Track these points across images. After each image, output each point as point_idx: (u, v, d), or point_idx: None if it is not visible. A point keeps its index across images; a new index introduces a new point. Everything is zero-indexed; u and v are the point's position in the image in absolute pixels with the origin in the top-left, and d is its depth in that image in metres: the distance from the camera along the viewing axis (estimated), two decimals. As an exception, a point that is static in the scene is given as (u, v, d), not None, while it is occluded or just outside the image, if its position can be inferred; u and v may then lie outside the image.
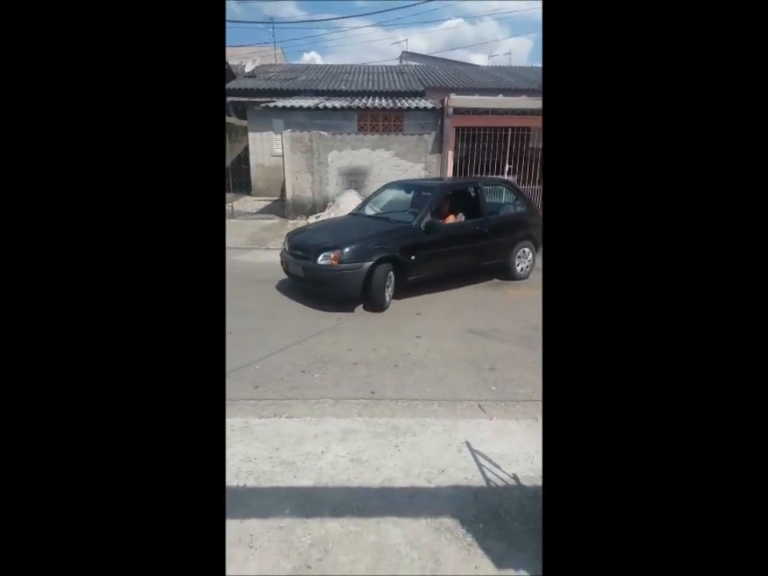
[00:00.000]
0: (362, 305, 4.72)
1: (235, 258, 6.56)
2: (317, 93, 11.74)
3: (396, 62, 19.14)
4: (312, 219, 9.00)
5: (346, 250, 4.45)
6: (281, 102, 9.07)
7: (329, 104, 9.20)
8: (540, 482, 2.12)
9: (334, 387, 3.10)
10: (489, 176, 9.12)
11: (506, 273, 5.72)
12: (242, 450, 2.34)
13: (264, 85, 12.69)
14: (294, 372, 3.32)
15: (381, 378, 3.25)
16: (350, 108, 9.19)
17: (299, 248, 4.81)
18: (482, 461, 2.27)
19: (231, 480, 2.11)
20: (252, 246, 7.62)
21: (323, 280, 4.52)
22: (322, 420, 2.66)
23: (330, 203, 9.19)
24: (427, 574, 1.64)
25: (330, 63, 18.25)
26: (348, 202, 8.46)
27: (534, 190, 9.61)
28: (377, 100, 9.84)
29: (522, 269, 5.80)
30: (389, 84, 12.80)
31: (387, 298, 4.64)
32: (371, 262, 4.43)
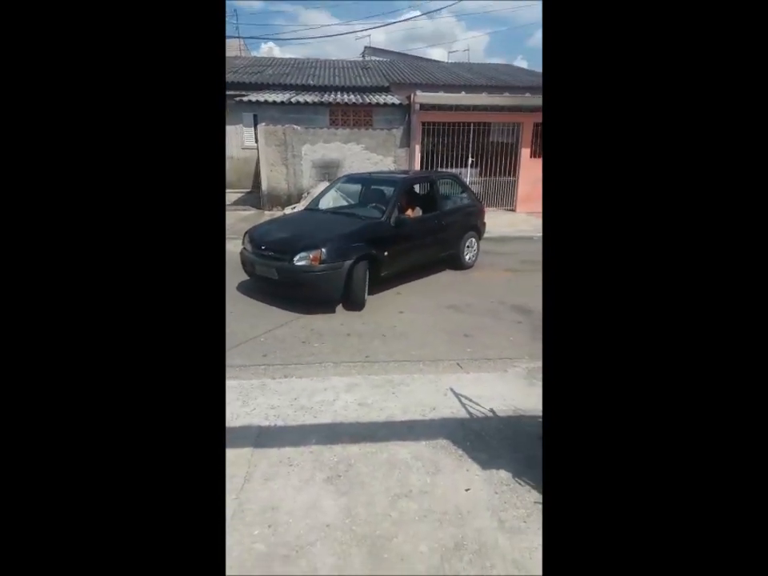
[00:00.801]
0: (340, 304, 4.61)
1: (217, 247, 6.83)
2: (285, 87, 11.94)
3: (359, 58, 19.43)
4: (288, 210, 9.31)
5: (325, 249, 4.22)
6: (254, 96, 9.27)
7: (301, 99, 9.49)
8: (511, 413, 2.66)
9: (332, 354, 3.55)
10: (440, 170, 9.69)
11: (456, 263, 5.93)
12: (264, 402, 2.76)
13: (232, 78, 12.74)
14: (295, 342, 3.75)
15: (372, 346, 3.72)
16: (321, 103, 9.52)
17: (269, 247, 4.46)
18: (464, 401, 2.79)
19: (262, 421, 2.54)
20: (230, 236, 7.87)
21: (302, 282, 4.23)
22: (328, 378, 3.12)
23: (305, 194, 9.52)
24: (428, 482, 2.13)
25: (288, 56, 18.33)
26: (322, 194, 8.83)
27: (494, 182, 10.28)
28: (346, 95, 10.20)
29: (469, 258, 6.06)
30: (355, 79, 13.13)
31: (365, 296, 4.56)
32: (351, 261, 4.27)
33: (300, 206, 9.14)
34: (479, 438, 2.43)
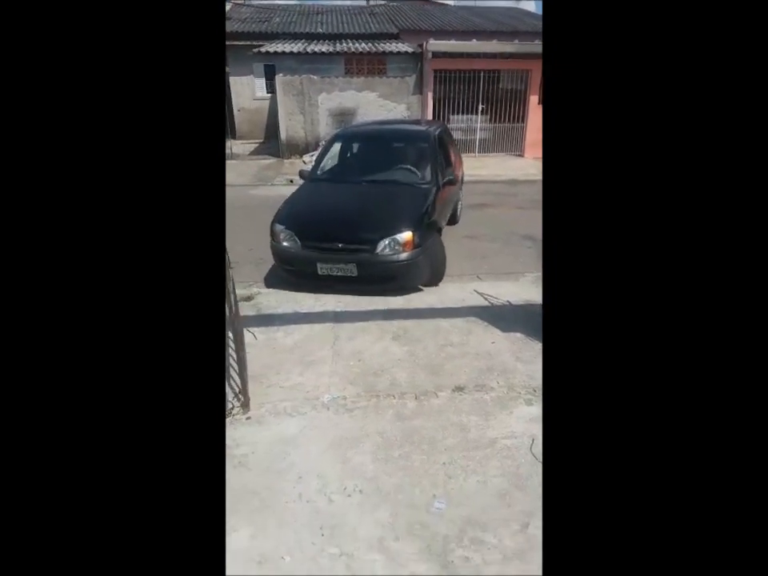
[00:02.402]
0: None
1: (251, 192, 7.55)
2: (295, 36, 12.14)
3: (363, 2, 19.11)
4: (306, 158, 9.89)
5: (416, 230, 3.57)
6: (271, 47, 9.61)
7: (317, 48, 9.82)
8: (522, 303, 3.48)
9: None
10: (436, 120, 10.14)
11: (452, 219, 5.50)
12: (331, 298, 3.58)
13: (240, 27, 12.89)
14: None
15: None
16: (336, 53, 9.86)
17: (336, 238, 3.54)
18: (486, 296, 3.61)
19: (335, 308, 3.38)
20: (258, 183, 8.53)
21: (392, 273, 3.54)
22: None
23: (322, 142, 10.06)
24: (464, 339, 2.97)
25: (291, 1, 18.10)
26: (340, 142, 9.38)
27: (503, 128, 10.74)
28: (360, 44, 10.50)
29: (458, 213, 5.80)
30: (363, 26, 13.24)
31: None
32: (433, 238, 3.80)
33: (318, 153, 9.70)
34: (499, 316, 3.26)
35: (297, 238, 3.63)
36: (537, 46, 9.98)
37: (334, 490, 1.77)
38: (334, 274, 3.53)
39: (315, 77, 9.82)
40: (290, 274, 3.79)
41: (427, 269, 3.72)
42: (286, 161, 10.19)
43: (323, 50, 9.86)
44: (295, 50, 9.69)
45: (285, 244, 3.69)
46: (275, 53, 9.56)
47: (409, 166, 4.48)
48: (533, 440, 2.01)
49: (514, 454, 1.95)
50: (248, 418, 2.21)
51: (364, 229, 3.61)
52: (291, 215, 3.87)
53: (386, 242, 3.50)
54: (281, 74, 9.71)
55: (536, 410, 2.23)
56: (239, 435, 2.09)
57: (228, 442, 2.00)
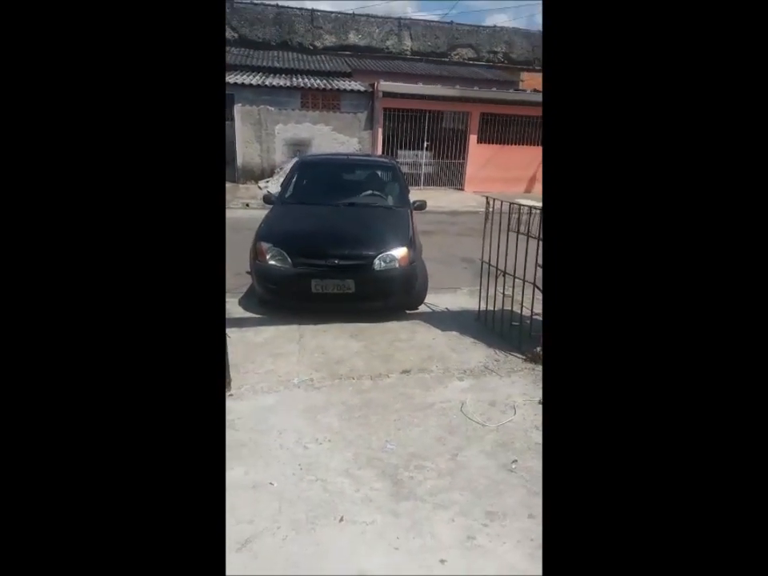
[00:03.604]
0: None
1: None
2: (253, 68, 12.75)
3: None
4: (262, 183, 10.36)
5: (408, 246, 3.73)
6: (231, 78, 10.14)
7: (275, 82, 10.47)
8: (458, 309, 4.11)
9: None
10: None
11: None
12: (295, 305, 4.04)
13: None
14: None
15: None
16: (293, 87, 10.55)
17: (331, 254, 3.55)
18: (428, 304, 4.22)
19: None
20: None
21: (389, 288, 3.62)
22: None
23: (278, 170, 10.58)
24: (410, 336, 3.53)
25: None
26: (296, 170, 9.96)
27: (445, 163, 11.77)
28: (315, 80, 11.27)
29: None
30: (319, 64, 14.12)
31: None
32: (420, 256, 3.97)
33: (273, 180, 10.20)
34: (439, 319, 3.87)
35: (287, 256, 3.55)
36: (476, 92, 11.18)
37: (309, 441, 2.24)
38: (330, 291, 3.49)
39: (272, 108, 10.42)
40: (275, 294, 3.66)
41: (420, 285, 3.85)
42: (241, 185, 10.60)
43: (281, 83, 10.52)
44: (254, 82, 10.28)
45: (271, 262, 3.59)
46: (234, 84, 10.09)
47: (378, 192, 4.75)
48: (462, 403, 2.59)
49: (447, 412, 2.51)
50: (230, 395, 2.63)
51: (360, 245, 3.65)
52: (277, 233, 3.81)
53: (383, 257, 3.60)
54: (239, 104, 10.23)
55: (466, 384, 2.82)
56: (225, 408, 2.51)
57: (216, 412, 2.42)
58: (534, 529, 1.75)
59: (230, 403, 2.54)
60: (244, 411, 2.47)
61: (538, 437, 2.33)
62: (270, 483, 1.96)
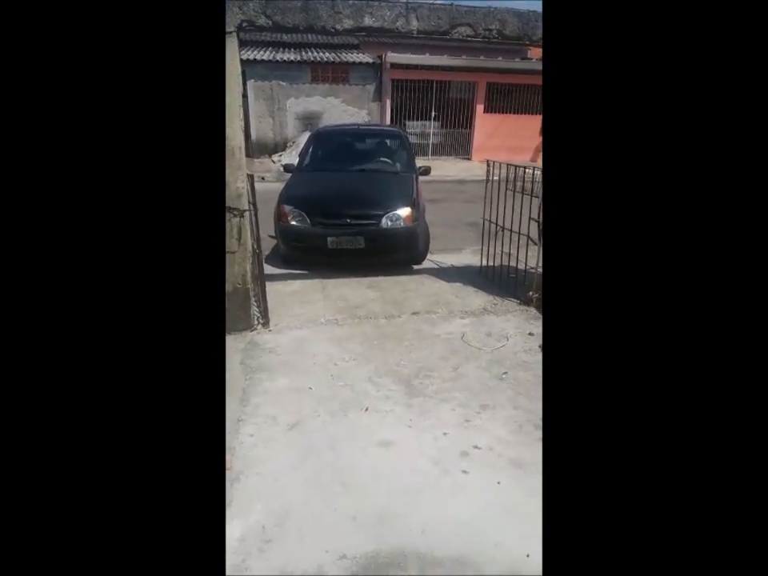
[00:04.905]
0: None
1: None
2: (263, 44, 12.96)
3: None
4: (276, 157, 10.75)
5: (412, 206, 4.23)
6: (244, 55, 10.42)
7: (285, 57, 10.73)
8: (462, 265, 4.57)
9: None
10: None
11: None
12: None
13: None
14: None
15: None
16: (303, 61, 10.80)
17: (344, 214, 4.11)
18: (435, 262, 4.68)
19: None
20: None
21: (395, 244, 4.18)
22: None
23: (290, 143, 10.94)
24: (419, 287, 4.01)
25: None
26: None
27: (453, 133, 12.01)
28: (325, 53, 11.49)
29: None
30: (326, 37, 14.23)
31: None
32: (423, 216, 4.46)
33: (286, 154, 10.58)
34: (445, 273, 4.35)
35: (306, 216, 4.11)
36: (482, 62, 11.31)
37: (337, 360, 2.76)
38: (344, 247, 4.07)
39: (284, 83, 10.71)
40: (298, 251, 4.30)
41: (423, 241, 4.40)
42: (255, 160, 10.99)
43: (291, 58, 10.77)
44: (266, 57, 10.55)
45: (293, 223, 4.17)
46: (247, 60, 10.37)
47: (387, 159, 5.25)
48: (463, 334, 3.09)
49: (451, 341, 3.01)
50: (269, 331, 3.15)
51: (369, 205, 4.19)
52: (297, 197, 4.33)
53: (390, 216, 4.11)
54: (252, 80, 10.53)
55: (467, 321, 3.31)
56: (265, 340, 3.03)
57: (259, 342, 2.95)
58: (519, 416, 2.26)
59: (268, 336, 3.07)
60: (282, 341, 2.99)
61: (526, 357, 2.82)
62: (309, 388, 2.49)
